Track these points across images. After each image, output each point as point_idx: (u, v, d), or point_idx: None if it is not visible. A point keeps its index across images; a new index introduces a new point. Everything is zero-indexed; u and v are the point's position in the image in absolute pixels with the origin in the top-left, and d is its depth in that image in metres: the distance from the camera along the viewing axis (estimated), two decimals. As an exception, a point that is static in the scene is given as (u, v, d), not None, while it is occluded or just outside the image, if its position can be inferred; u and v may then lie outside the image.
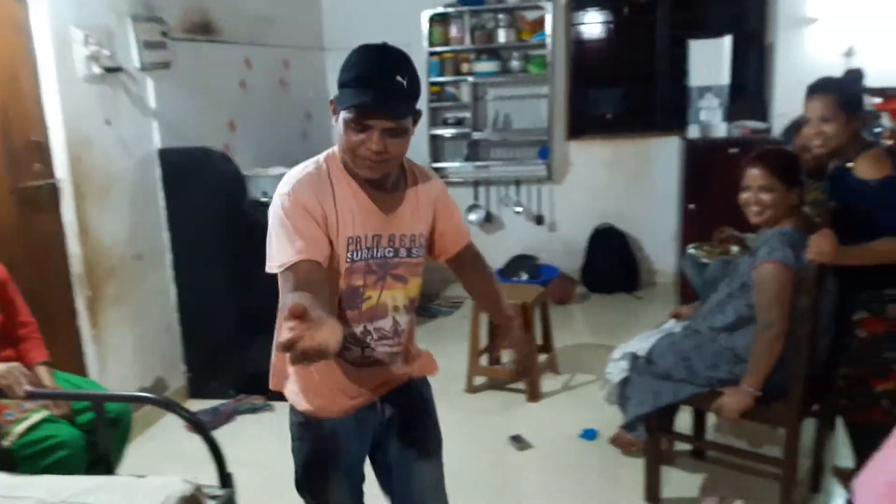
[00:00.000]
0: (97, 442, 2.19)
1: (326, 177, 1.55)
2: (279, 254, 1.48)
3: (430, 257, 1.76)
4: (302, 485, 1.78)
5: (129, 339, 3.36)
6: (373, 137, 1.46)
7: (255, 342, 3.63)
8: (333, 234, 1.52)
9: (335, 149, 1.59)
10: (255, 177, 3.87)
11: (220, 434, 3.30)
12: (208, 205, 3.54)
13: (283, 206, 1.50)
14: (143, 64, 3.37)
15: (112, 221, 3.24)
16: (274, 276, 1.59)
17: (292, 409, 1.74)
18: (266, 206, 3.45)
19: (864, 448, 2.44)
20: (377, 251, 1.58)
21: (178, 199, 3.56)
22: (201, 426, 2.02)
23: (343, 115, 1.47)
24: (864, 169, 2.28)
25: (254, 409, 3.56)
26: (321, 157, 1.60)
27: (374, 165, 1.50)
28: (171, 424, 3.30)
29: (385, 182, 1.59)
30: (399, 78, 1.45)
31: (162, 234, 3.58)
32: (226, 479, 1.97)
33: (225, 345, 3.66)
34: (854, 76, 2.51)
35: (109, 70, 3.15)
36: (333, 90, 5.08)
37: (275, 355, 1.78)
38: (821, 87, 2.39)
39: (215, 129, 3.98)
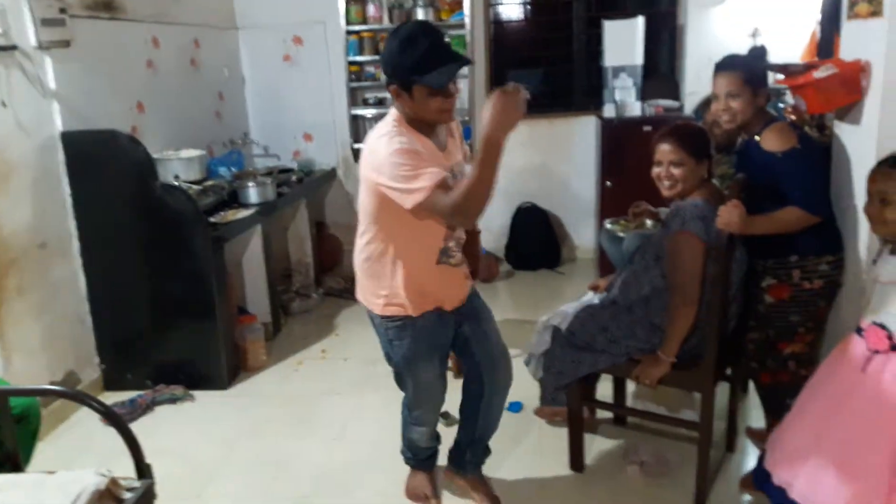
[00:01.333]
0: (2, 440, 2.07)
1: (407, 136, 2.01)
2: (424, 182, 1.88)
3: None
4: (404, 374, 2.35)
5: (35, 332, 3.19)
6: (451, 91, 2.00)
7: (171, 331, 3.53)
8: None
9: (395, 116, 2.07)
10: (165, 160, 3.73)
11: (138, 426, 3.21)
12: (117, 189, 3.39)
13: (401, 158, 1.92)
14: (40, 42, 3.17)
15: (12, 209, 3.05)
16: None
17: (387, 319, 2.24)
18: (179, 189, 3.39)
19: (774, 408, 2.57)
20: (450, 181, 1.97)
21: (85, 184, 3.39)
22: (114, 417, 1.93)
23: (423, 91, 1.95)
24: (771, 141, 2.38)
25: (173, 400, 3.45)
26: (390, 121, 2.06)
27: (451, 113, 2.09)
28: (86, 419, 3.17)
29: (434, 129, 2.12)
30: (447, 41, 2.03)
31: (68, 221, 3.40)
32: (143, 471, 1.89)
33: (140, 335, 3.54)
34: (758, 53, 2.61)
35: (3, 48, 2.95)
36: (248, 69, 4.93)
37: (368, 279, 2.27)
38: (727, 65, 2.47)
39: (122, 111, 3.80)
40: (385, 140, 1.99)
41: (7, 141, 3.03)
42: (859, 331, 1.99)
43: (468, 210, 1.86)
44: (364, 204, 2.17)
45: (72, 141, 3.35)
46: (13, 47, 3.02)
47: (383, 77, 5.17)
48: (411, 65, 1.92)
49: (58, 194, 3.35)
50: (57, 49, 3.29)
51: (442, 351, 2.36)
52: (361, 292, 2.31)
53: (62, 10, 3.29)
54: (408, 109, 2.03)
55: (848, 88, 2.47)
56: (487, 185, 1.82)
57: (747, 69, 2.46)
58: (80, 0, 3.50)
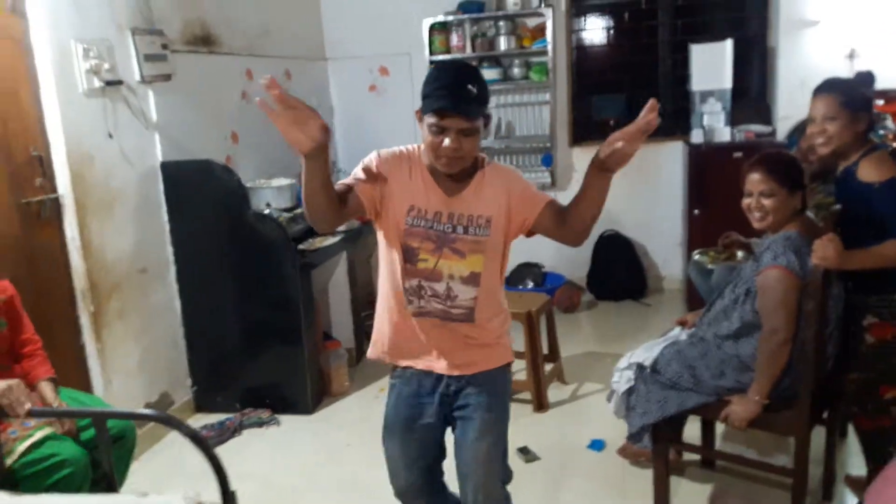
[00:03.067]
0: (98, 460, 2.17)
1: (408, 158, 1.90)
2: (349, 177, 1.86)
3: (528, 233, 1.95)
4: (382, 437, 2.10)
5: (134, 354, 3.35)
6: (450, 137, 1.75)
7: (260, 356, 3.63)
8: (397, 200, 1.85)
9: (421, 144, 1.90)
10: (257, 188, 3.87)
11: (226, 448, 3.32)
12: (211, 218, 3.54)
13: (368, 158, 1.88)
14: (143, 77, 3.37)
15: (115, 236, 3.24)
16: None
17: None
18: (269, 217, 3.51)
19: (875, 455, 2.42)
20: (437, 224, 1.86)
21: (181, 212, 3.56)
22: (202, 442, 1.99)
23: (426, 119, 1.77)
24: (867, 171, 2.26)
25: (260, 423, 3.54)
26: (413, 146, 1.94)
27: (451, 162, 1.80)
28: (178, 440, 3.25)
29: (451, 175, 1.87)
30: (470, 86, 1.74)
31: (165, 247, 3.57)
32: (228, 497, 1.95)
33: (230, 358, 3.66)
34: (864, 78, 2.49)
35: (110, 83, 3.15)
36: (336, 99, 5.11)
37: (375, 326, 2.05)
38: (825, 87, 2.37)
39: (217, 141, 3.98)
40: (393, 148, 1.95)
41: (112, 170, 3.22)
42: None
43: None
44: None
45: (170, 170, 3.53)
46: (119, 82, 3.22)
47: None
48: (424, 95, 1.80)
49: (157, 221, 3.52)
50: (159, 83, 3.48)
51: (421, 429, 2.00)
52: None
53: (164, 46, 3.49)
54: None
55: (958, 116, 2.33)
56: (304, 191, 1.72)
57: (845, 92, 2.34)
58: (181, 35, 3.70)
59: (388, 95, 5.34)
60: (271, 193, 3.87)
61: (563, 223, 1.87)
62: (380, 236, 1.94)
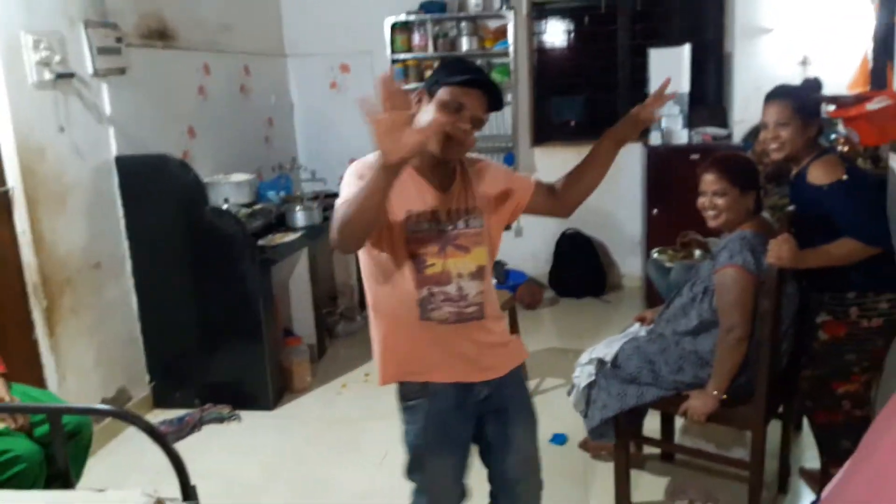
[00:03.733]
0: (54, 456, 2.12)
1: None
2: (339, 199, 1.64)
3: (525, 212, 1.93)
4: (411, 466, 1.91)
5: (89, 350, 3.27)
6: (465, 116, 1.67)
7: (219, 351, 3.58)
8: (394, 210, 1.71)
9: None
10: (215, 184, 3.81)
11: (186, 444, 3.27)
12: (168, 212, 3.48)
13: (349, 173, 1.71)
14: (96, 70, 3.29)
15: (68, 230, 3.16)
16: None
17: (400, 393, 1.86)
18: (228, 213, 3.46)
19: (828, 449, 2.49)
20: (437, 224, 1.76)
21: (137, 207, 3.49)
22: (161, 437, 1.95)
23: (440, 96, 1.67)
24: (817, 174, 2.31)
25: (220, 419, 3.49)
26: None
27: (459, 145, 1.70)
28: (136, 436, 3.20)
29: (443, 168, 1.79)
30: (489, 78, 1.71)
31: (121, 242, 3.50)
32: (188, 491, 1.91)
33: (189, 354, 3.61)
34: (812, 84, 2.55)
35: (61, 76, 3.07)
36: (296, 96, 5.05)
37: (375, 349, 1.89)
38: (777, 94, 2.42)
39: (174, 136, 3.91)
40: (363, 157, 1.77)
41: (64, 164, 3.14)
42: None
43: (334, 230, 1.57)
44: None
45: (125, 165, 3.45)
46: (71, 75, 3.14)
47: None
48: (444, 69, 1.72)
49: (112, 216, 3.45)
50: (113, 76, 3.41)
51: (459, 448, 1.90)
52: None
53: (118, 40, 3.42)
54: None
55: (904, 120, 2.42)
56: (356, 209, 1.50)
57: (798, 99, 2.40)
58: (136, 29, 3.63)
59: (350, 93, 5.31)
60: (230, 189, 3.82)
61: (554, 199, 1.92)
62: (369, 256, 1.78)
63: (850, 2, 4.18)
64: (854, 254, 2.24)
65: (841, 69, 4.11)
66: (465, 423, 1.87)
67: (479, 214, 1.82)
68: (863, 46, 3.74)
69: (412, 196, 1.75)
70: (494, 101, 1.71)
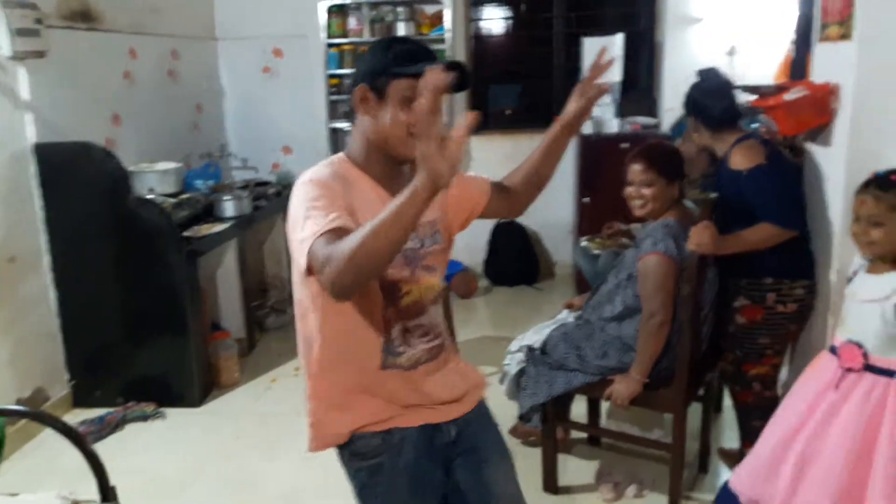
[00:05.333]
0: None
1: (344, 175, 1.48)
2: (313, 226, 1.32)
3: (482, 216, 1.73)
4: None
5: (3, 348, 3.12)
6: None
7: (143, 347, 3.48)
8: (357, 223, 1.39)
9: (341, 155, 1.55)
10: (140, 172, 3.69)
11: (107, 443, 3.17)
12: (89, 203, 3.35)
13: (307, 193, 1.39)
14: (14, 52, 3.13)
15: (-21, 222, 3.02)
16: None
17: (352, 453, 1.56)
18: (152, 203, 3.35)
19: (742, 429, 2.57)
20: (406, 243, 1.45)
21: (57, 197, 3.35)
22: (78, 438, 1.88)
23: (401, 90, 1.43)
24: (737, 160, 2.39)
25: (144, 417, 3.39)
26: (332, 160, 1.53)
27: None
28: (53, 437, 3.08)
29: (399, 175, 1.53)
30: (455, 61, 1.46)
31: (38, 235, 3.35)
32: (107, 493, 1.85)
33: (111, 351, 3.49)
34: (706, 75, 2.61)
35: (-27, 58, 2.92)
36: (227, 81, 4.89)
37: (315, 406, 1.58)
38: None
39: (97, 123, 3.76)
40: (308, 173, 1.47)
41: (-24, 152, 2.99)
42: (833, 349, 1.99)
43: (344, 270, 1.21)
44: (293, 279, 1.56)
45: (45, 153, 3.31)
46: (-15, 57, 2.99)
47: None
48: (392, 58, 1.44)
49: (29, 207, 3.30)
50: (31, 59, 3.25)
51: (431, 497, 1.59)
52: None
53: (38, 21, 3.26)
54: (367, 131, 1.49)
55: (818, 110, 2.49)
56: (385, 245, 1.20)
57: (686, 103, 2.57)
58: (57, 10, 3.46)
59: (283, 78, 5.21)
60: (155, 178, 3.71)
61: (508, 199, 1.73)
62: (319, 299, 1.48)
63: (775, -6, 4.29)
64: (771, 238, 2.32)
65: (766, 60, 4.22)
66: (435, 472, 1.58)
67: (439, 227, 1.59)
68: (786, 39, 3.84)
69: (378, 211, 1.30)
70: (463, 82, 1.41)
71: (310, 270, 1.32)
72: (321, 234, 1.29)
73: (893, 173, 1.94)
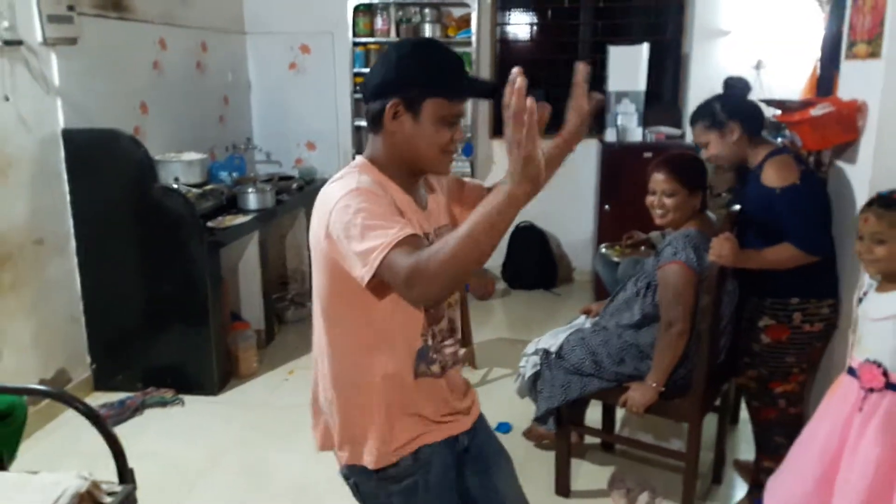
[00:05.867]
0: (-14, 437, 2.07)
1: (380, 183, 1.44)
2: (380, 237, 1.26)
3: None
4: None
5: (27, 329, 3.18)
6: (458, 128, 1.47)
7: (164, 334, 3.53)
8: None
9: (361, 160, 1.51)
10: (166, 162, 3.74)
11: (126, 427, 3.22)
12: (116, 189, 3.40)
13: (359, 202, 1.33)
14: (46, 38, 3.19)
15: (10, 204, 3.06)
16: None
17: (381, 477, 1.51)
18: (177, 192, 3.40)
19: (763, 443, 2.56)
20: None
21: (84, 182, 3.40)
22: (98, 419, 1.92)
23: (434, 109, 1.41)
24: (771, 176, 2.32)
25: (163, 403, 3.44)
26: (352, 172, 1.45)
27: (449, 161, 1.49)
28: (74, 418, 3.11)
29: (416, 182, 1.54)
30: (495, 85, 1.48)
31: (66, 218, 3.41)
32: (125, 475, 1.89)
33: (132, 336, 3.54)
34: (735, 83, 2.58)
35: (8, 43, 2.97)
36: (254, 75, 4.94)
37: (337, 411, 1.56)
38: (691, 121, 2.53)
39: (125, 111, 3.81)
40: (340, 182, 1.42)
41: (8, 135, 3.04)
42: (851, 371, 1.99)
43: (436, 280, 1.19)
44: (316, 289, 1.52)
45: (73, 138, 3.36)
46: (19, 42, 3.04)
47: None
48: (429, 72, 1.41)
49: (57, 191, 3.35)
50: (63, 46, 3.31)
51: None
52: (324, 437, 1.64)
53: (70, 8, 3.32)
54: (397, 144, 1.45)
55: (844, 127, 2.48)
56: (482, 250, 1.19)
57: (706, 115, 2.49)
58: (89, -2, 3.52)
59: (309, 75, 5.25)
60: (180, 168, 3.75)
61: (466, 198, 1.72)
62: (358, 313, 1.45)
63: (804, 10, 4.28)
64: (793, 260, 2.28)
65: (793, 75, 4.21)
66: (454, 485, 1.60)
67: (450, 229, 1.52)
68: (813, 55, 3.83)
69: (411, 220, 1.44)
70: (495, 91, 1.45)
71: (372, 283, 1.28)
72: (396, 245, 1.24)
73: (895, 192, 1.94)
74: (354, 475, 1.56)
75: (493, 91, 1.47)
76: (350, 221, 1.32)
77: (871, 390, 1.90)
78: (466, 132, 5.17)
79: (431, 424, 1.53)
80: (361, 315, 1.45)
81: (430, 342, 1.51)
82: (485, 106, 5.27)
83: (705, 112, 2.48)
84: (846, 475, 1.90)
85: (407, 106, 1.42)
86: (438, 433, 1.54)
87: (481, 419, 1.69)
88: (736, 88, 2.54)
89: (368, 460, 1.50)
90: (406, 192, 1.50)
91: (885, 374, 1.89)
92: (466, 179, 1.77)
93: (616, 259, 3.28)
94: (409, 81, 1.42)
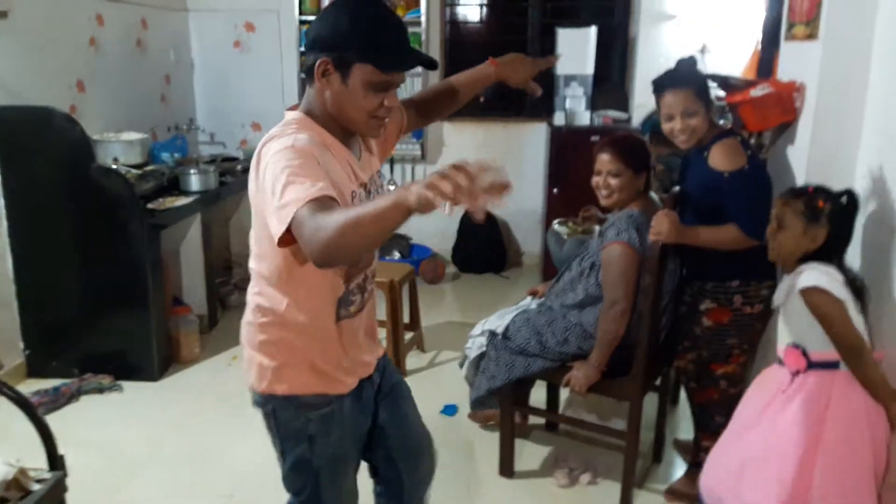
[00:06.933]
0: None
1: (320, 138, 1.47)
2: (297, 192, 1.29)
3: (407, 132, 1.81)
4: (317, 489, 1.65)
5: (-46, 315, 3.06)
6: (391, 95, 1.48)
7: (102, 319, 3.43)
8: (339, 194, 1.39)
9: (298, 115, 1.52)
10: (105, 142, 3.63)
11: (61, 415, 3.12)
12: (50, 170, 3.28)
13: (289, 159, 1.35)
14: (-27, 11, 3.05)
15: (-66, 184, 2.93)
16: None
17: (302, 405, 1.59)
18: (115, 173, 3.29)
19: (703, 423, 2.60)
20: (368, 197, 1.55)
21: (15, 163, 3.27)
22: (27, 405, 1.86)
23: (364, 74, 1.42)
24: (720, 159, 2.30)
25: (100, 389, 3.35)
26: (290, 124, 1.48)
27: (379, 127, 1.53)
28: (5, 406, 3.02)
29: (354, 135, 1.57)
30: (426, 56, 1.50)
31: (-5, 200, 3.27)
32: (55, 462, 1.83)
33: (69, 321, 3.43)
34: (690, 62, 2.55)
35: (-70, 15, 2.83)
36: (197, 54, 4.80)
37: (259, 350, 1.61)
38: (678, 81, 2.36)
39: (61, 89, 3.67)
40: (277, 141, 1.42)
41: (-69, 113, 2.90)
42: (780, 361, 2.02)
43: (330, 248, 1.22)
44: (252, 236, 1.58)
45: (3, 117, 3.23)
46: (-57, 16, 2.90)
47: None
48: (362, 35, 1.40)
49: (-14, 171, 3.22)
50: (-8, 20, 3.17)
51: (360, 446, 1.74)
52: (251, 367, 1.63)
53: (0, -21, 3.17)
54: (326, 101, 1.47)
55: (783, 108, 2.53)
56: (365, 235, 1.21)
57: (698, 83, 2.36)
58: (21, -29, 3.37)
59: (254, 53, 5.13)
60: (120, 148, 3.64)
61: (417, 117, 1.81)
62: (287, 260, 1.49)
63: (747, -5, 4.35)
64: (734, 243, 2.29)
65: (736, 58, 4.28)
66: (367, 419, 1.71)
67: (379, 171, 1.67)
68: (755, 37, 3.90)
69: (347, 172, 1.50)
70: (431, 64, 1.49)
71: (284, 237, 1.30)
72: (308, 202, 1.27)
73: (812, 187, 2.00)
74: (272, 402, 1.61)
75: (429, 65, 1.48)
76: (274, 178, 1.34)
77: (797, 373, 1.94)
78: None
79: (344, 376, 1.61)
80: (293, 264, 1.50)
81: (358, 286, 1.59)
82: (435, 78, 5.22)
83: (693, 78, 2.38)
84: (763, 454, 1.94)
85: (336, 65, 1.43)
86: (352, 382, 1.63)
87: (384, 357, 1.78)
88: (696, 67, 2.47)
89: (286, 388, 1.58)
90: (344, 144, 1.53)
91: (804, 353, 1.92)
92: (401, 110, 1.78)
93: (567, 237, 3.29)
94: (342, 42, 1.42)
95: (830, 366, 1.90)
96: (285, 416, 1.61)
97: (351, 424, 1.65)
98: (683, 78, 2.39)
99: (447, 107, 1.89)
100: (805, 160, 2.44)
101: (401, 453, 1.78)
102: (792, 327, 1.97)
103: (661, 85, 2.41)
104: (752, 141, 2.92)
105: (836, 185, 2.02)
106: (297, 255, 1.47)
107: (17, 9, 3.28)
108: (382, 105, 1.46)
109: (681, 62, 2.47)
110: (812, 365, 1.91)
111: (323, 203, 1.27)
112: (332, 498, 1.68)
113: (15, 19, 3.28)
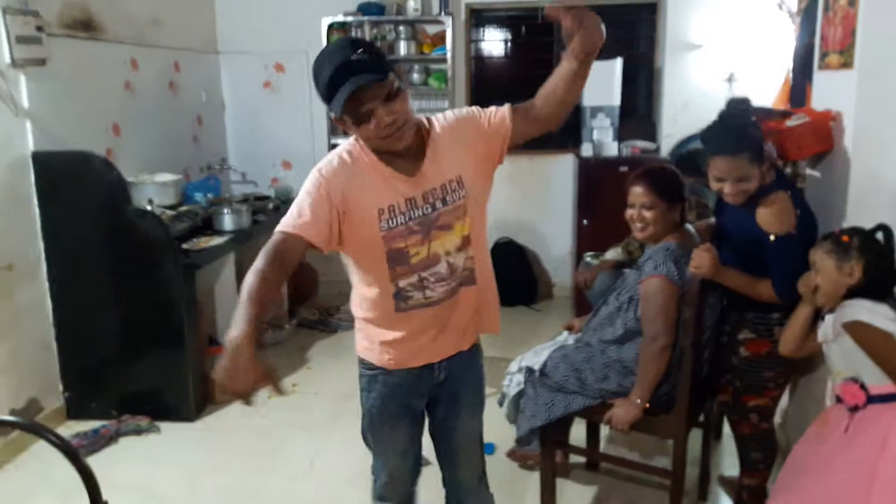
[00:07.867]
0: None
1: (352, 161, 1.73)
2: (286, 219, 1.69)
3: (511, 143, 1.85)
4: (366, 431, 2.01)
5: (-4, 357, 3.10)
6: (379, 114, 1.61)
7: (139, 360, 3.45)
8: (364, 210, 1.69)
9: (351, 139, 1.78)
10: (139, 184, 3.68)
11: (101, 457, 3.14)
12: (88, 213, 3.34)
13: (310, 182, 1.71)
14: (14, 59, 3.13)
15: (-23, 229, 2.99)
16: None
17: (362, 362, 1.94)
18: (151, 214, 3.34)
19: (741, 459, 2.54)
20: (415, 212, 1.73)
21: (55, 206, 3.33)
22: (70, 450, 1.86)
23: (353, 114, 1.62)
24: (768, 220, 2.21)
25: (138, 431, 3.36)
26: (346, 145, 1.77)
27: (399, 134, 1.65)
28: (47, 449, 3.03)
29: (399, 154, 1.72)
30: (355, 56, 1.60)
31: (36, 243, 3.33)
32: (99, 509, 1.82)
33: (106, 363, 3.46)
34: (744, 117, 2.39)
35: (-24, 65, 2.92)
36: (228, 94, 4.93)
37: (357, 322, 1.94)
38: (730, 148, 2.18)
39: (97, 133, 3.75)
40: (325, 158, 1.78)
41: (-24, 160, 2.97)
42: (838, 399, 1.98)
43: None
44: None
45: (43, 161, 3.30)
46: (-14, 64, 2.99)
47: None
48: (322, 94, 1.65)
49: (27, 215, 3.28)
50: (32, 67, 3.25)
51: (412, 418, 1.98)
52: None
53: (39, 28, 3.26)
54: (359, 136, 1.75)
55: (819, 138, 2.51)
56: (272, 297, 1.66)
57: (753, 147, 2.18)
58: (58, 18, 3.47)
59: (284, 93, 5.22)
60: (154, 189, 3.70)
61: (536, 119, 1.83)
62: (348, 258, 1.83)
63: (774, 23, 4.35)
64: (769, 298, 2.26)
65: (764, 87, 4.26)
66: (419, 399, 1.95)
67: (460, 185, 1.76)
68: (784, 65, 3.88)
69: (382, 190, 1.71)
70: (377, 65, 1.60)
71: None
72: (281, 231, 1.66)
73: (844, 233, 1.99)
74: (360, 363, 1.96)
75: (360, 84, 1.58)
76: (301, 191, 1.73)
77: (856, 408, 1.89)
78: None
79: (416, 355, 1.87)
80: (350, 265, 1.85)
81: (403, 286, 1.78)
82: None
83: (748, 142, 2.20)
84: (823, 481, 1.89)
85: (340, 119, 1.68)
86: (420, 359, 1.87)
87: (469, 356, 1.98)
88: (743, 111, 2.36)
89: (359, 349, 1.94)
90: (387, 164, 1.72)
91: (862, 387, 1.88)
92: (492, 109, 1.85)
93: (594, 262, 3.27)
94: (326, 100, 1.66)
95: (892, 398, 1.85)
96: (359, 369, 1.96)
97: (392, 392, 1.90)
98: (736, 143, 2.19)
99: (554, 105, 1.85)
100: (845, 190, 2.41)
101: (443, 459, 2.08)
102: (847, 363, 1.93)
103: (711, 150, 2.26)
104: (788, 170, 2.90)
105: (879, 215, 1.99)
106: (355, 262, 1.81)
107: (55, 56, 3.37)
108: (377, 126, 1.62)
109: (731, 118, 2.30)
110: (871, 399, 1.87)
111: (287, 239, 1.65)
112: (380, 441, 1.99)
113: (53, 66, 3.37)
